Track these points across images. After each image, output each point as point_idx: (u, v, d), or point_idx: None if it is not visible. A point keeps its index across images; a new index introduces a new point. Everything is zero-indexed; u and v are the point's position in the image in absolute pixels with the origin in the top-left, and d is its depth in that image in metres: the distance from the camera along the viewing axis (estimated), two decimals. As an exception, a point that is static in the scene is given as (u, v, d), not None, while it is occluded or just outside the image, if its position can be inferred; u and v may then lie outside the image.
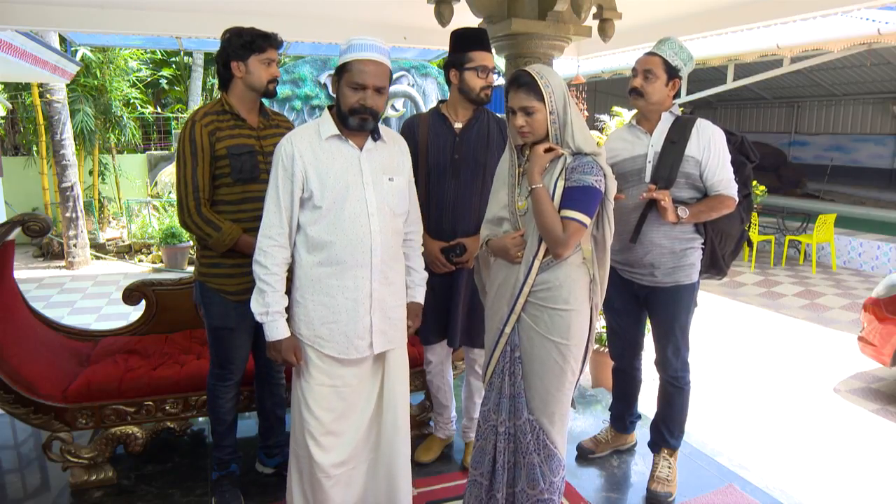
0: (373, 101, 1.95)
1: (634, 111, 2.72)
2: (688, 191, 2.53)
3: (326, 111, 2.05)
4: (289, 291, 2.11)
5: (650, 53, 2.54)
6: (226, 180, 2.34)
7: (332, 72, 2.06)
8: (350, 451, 2.12)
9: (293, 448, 2.16)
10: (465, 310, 2.67)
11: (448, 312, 2.67)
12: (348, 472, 2.13)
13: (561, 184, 2.00)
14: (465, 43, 2.50)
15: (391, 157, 2.11)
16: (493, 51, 3.26)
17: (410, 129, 2.64)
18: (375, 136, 2.06)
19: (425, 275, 2.34)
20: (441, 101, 2.67)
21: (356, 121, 1.97)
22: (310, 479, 2.11)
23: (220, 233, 2.30)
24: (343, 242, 1.99)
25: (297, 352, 2.06)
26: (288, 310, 2.08)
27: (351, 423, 2.12)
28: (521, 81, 1.99)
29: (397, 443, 2.20)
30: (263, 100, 2.45)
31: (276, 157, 2.00)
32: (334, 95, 2.01)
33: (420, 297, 2.32)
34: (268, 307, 2.01)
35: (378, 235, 2.02)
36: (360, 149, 2.04)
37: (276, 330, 2.02)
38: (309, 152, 1.98)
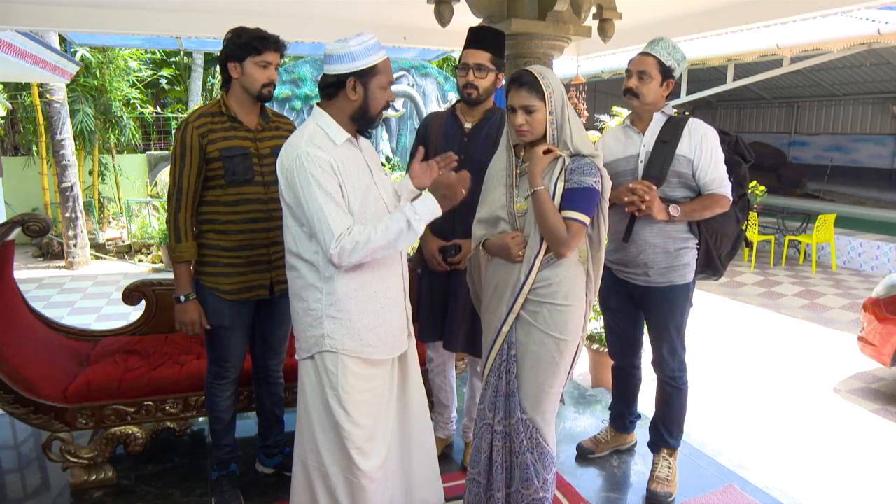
0: (391, 96, 2.01)
1: (630, 111, 2.72)
2: (681, 190, 2.53)
3: (326, 116, 1.96)
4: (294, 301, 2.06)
5: (644, 54, 2.52)
6: (220, 182, 2.33)
7: (344, 72, 1.91)
8: (386, 449, 2.11)
9: (318, 462, 2.06)
10: (466, 315, 2.65)
11: (445, 315, 2.66)
12: (385, 470, 2.11)
13: (561, 185, 2.03)
14: (465, 41, 2.51)
15: (375, 152, 2.15)
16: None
17: (424, 127, 2.67)
18: (366, 133, 2.06)
19: None
20: (458, 101, 2.67)
21: (379, 119, 2.00)
22: (348, 488, 2.03)
23: (178, 244, 2.33)
24: None
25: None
26: (314, 330, 1.99)
27: (383, 422, 2.11)
28: (523, 80, 2.02)
29: (427, 427, 2.26)
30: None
31: (311, 167, 1.84)
32: (355, 98, 1.91)
33: None
34: (414, 213, 1.90)
35: None
36: (359, 148, 2.04)
37: (433, 207, 1.95)
38: (335, 159, 1.90)
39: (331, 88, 1.94)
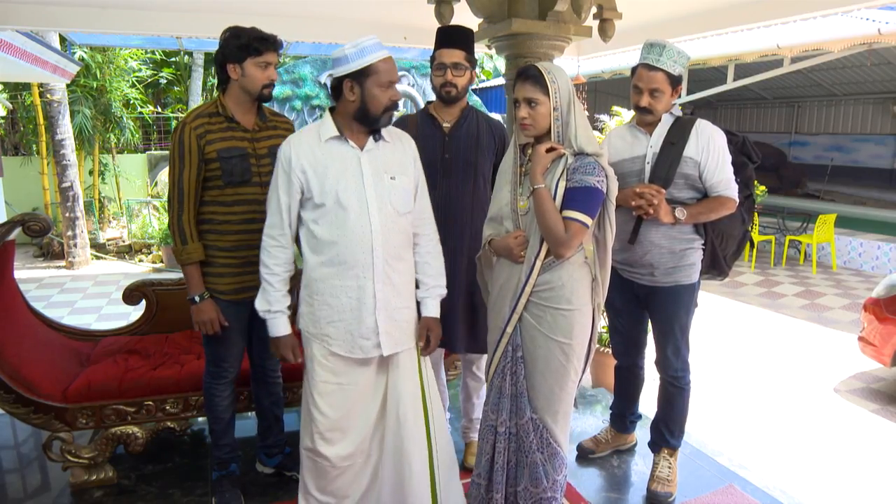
0: (396, 95, 2.02)
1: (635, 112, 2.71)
2: (687, 191, 2.52)
3: (327, 115, 2.06)
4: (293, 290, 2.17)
5: (651, 68, 2.44)
6: (217, 182, 2.33)
7: (340, 75, 1.97)
8: (357, 446, 2.14)
9: (302, 441, 2.18)
10: (465, 315, 2.64)
11: (445, 317, 2.65)
12: (354, 465, 2.15)
13: (562, 184, 2.02)
14: (435, 42, 2.52)
15: (394, 156, 2.11)
16: (494, 50, 3.26)
17: None
18: (377, 136, 2.07)
19: (442, 288, 2.25)
20: (428, 102, 2.67)
21: (386, 119, 2.02)
22: (316, 470, 2.14)
23: (185, 246, 2.33)
24: (345, 242, 2.00)
25: (296, 349, 2.16)
26: (296, 307, 2.16)
27: (357, 421, 2.14)
28: (528, 73, 2.02)
29: (406, 446, 2.12)
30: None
31: (277, 160, 2.04)
32: (353, 99, 1.97)
33: (432, 310, 2.23)
34: (270, 305, 2.10)
35: (379, 235, 2.01)
36: (361, 149, 2.04)
37: (277, 327, 2.13)
38: (308, 154, 2.00)
39: (335, 91, 2.03)
